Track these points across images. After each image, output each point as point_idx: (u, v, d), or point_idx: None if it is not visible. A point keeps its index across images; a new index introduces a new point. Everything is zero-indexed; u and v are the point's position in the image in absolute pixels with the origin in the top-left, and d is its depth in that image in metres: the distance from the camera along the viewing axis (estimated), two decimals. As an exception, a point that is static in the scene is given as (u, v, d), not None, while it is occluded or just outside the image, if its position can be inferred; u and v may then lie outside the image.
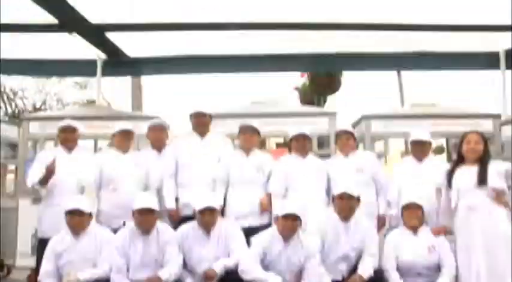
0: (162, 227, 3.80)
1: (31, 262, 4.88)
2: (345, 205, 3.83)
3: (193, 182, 4.24)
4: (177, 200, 4.32)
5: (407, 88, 9.66)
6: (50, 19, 5.33)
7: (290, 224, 3.61)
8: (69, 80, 17.48)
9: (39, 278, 3.63)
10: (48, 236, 4.08)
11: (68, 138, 4.45)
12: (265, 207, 4.19)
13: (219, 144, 4.45)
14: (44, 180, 4.20)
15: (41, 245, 4.27)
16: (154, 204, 3.73)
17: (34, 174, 4.27)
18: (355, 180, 4.14)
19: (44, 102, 17.27)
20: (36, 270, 4.17)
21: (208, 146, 4.38)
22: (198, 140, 4.43)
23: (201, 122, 4.44)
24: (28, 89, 17.48)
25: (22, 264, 5.62)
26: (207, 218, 3.74)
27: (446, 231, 3.85)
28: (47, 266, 3.68)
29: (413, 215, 3.93)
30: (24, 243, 5.55)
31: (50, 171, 4.15)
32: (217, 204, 3.86)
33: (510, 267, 3.60)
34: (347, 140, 4.43)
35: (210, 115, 4.52)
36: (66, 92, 18.13)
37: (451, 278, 3.76)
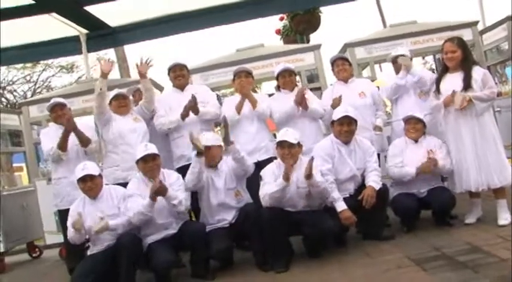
0: (167, 171, 4.01)
1: (59, 239, 5.19)
2: (346, 129, 4.03)
3: (182, 133, 4.37)
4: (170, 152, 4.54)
5: (388, 11, 9.63)
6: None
7: (287, 151, 3.78)
8: (55, 66, 17.42)
9: (68, 236, 3.81)
10: (65, 207, 4.33)
11: (59, 115, 4.59)
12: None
13: (200, 93, 4.48)
14: (63, 143, 4.41)
15: (61, 216, 4.56)
16: (155, 150, 3.90)
17: (48, 144, 4.48)
18: (359, 104, 4.41)
19: (34, 92, 17.24)
20: (65, 242, 4.45)
21: (189, 97, 4.38)
22: (177, 94, 4.53)
23: (179, 74, 4.53)
24: (16, 82, 17.46)
25: (52, 242, 5.93)
26: (208, 151, 3.91)
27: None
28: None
29: (411, 128, 4.23)
30: (49, 223, 5.80)
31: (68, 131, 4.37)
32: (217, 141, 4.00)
33: (498, 164, 3.86)
34: (342, 65, 4.59)
35: (187, 68, 4.63)
36: (53, 78, 18.11)
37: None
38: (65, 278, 4.37)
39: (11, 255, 6.47)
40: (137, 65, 4.51)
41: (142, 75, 4.48)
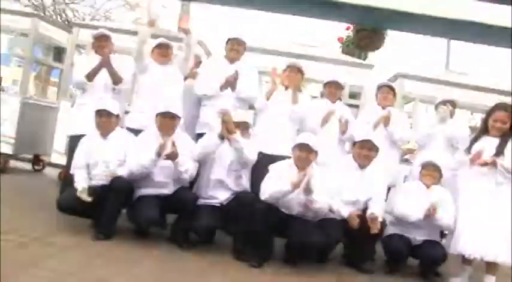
0: (182, 134, 4.02)
1: (64, 161, 5.30)
2: (365, 153, 4.00)
3: (214, 103, 4.44)
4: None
5: (455, 54, 9.27)
6: None
7: (304, 155, 3.77)
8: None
9: (71, 169, 3.88)
10: (77, 133, 4.36)
11: (101, 46, 4.62)
12: None
13: (245, 72, 4.51)
14: (92, 74, 4.48)
15: (70, 141, 4.62)
16: (176, 110, 3.94)
17: (78, 70, 4.58)
18: (387, 133, 4.42)
19: (93, 18, 17.51)
20: (67, 166, 4.49)
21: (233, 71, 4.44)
22: (224, 65, 4.57)
23: (236, 49, 4.57)
24: (79, 3, 17.76)
25: (56, 162, 6.09)
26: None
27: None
28: (77, 159, 3.94)
29: (428, 174, 4.14)
30: (60, 143, 5.93)
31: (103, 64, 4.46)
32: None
33: (499, 239, 3.75)
34: (387, 94, 4.63)
35: (245, 46, 4.66)
36: (115, 11, 18.33)
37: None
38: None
39: (15, 160, 6.67)
40: (179, 21, 4.57)
41: (185, 30, 4.52)
